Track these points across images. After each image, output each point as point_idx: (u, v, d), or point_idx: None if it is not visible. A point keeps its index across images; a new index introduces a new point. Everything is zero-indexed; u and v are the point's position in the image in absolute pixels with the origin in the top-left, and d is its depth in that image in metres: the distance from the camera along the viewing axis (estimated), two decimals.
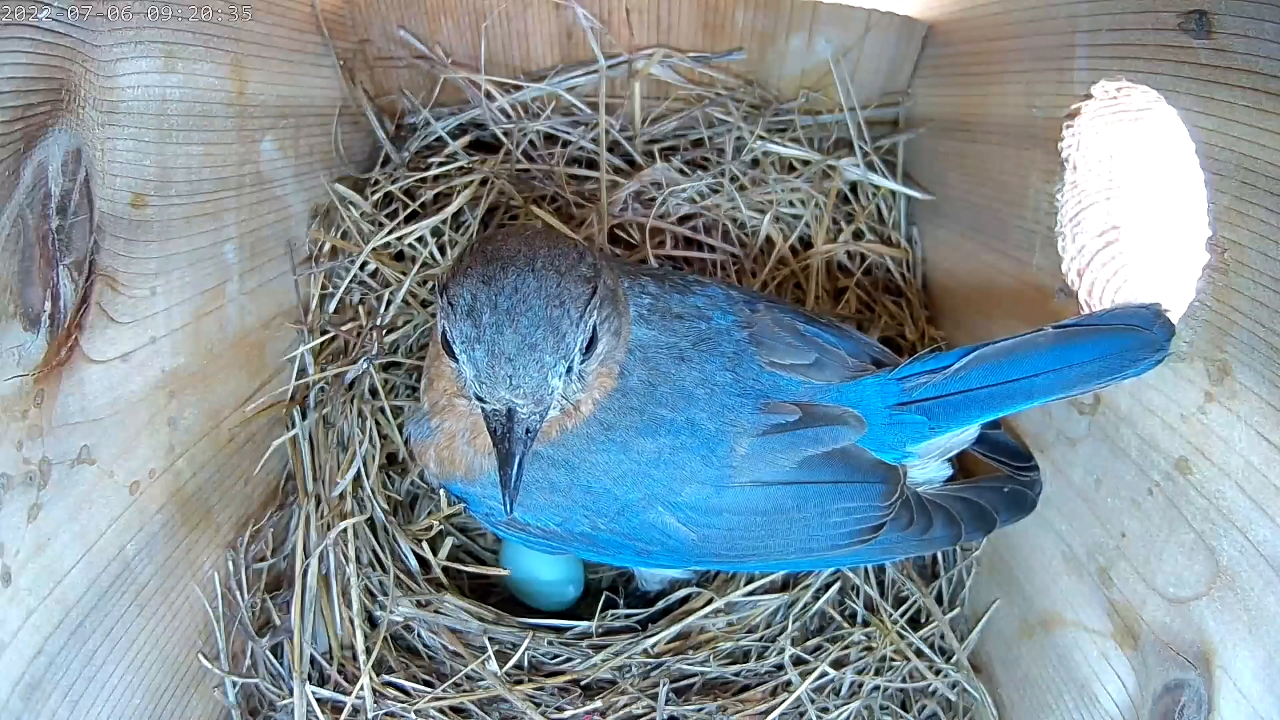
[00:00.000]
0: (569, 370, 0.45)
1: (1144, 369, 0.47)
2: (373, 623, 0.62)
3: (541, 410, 0.44)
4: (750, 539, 0.52)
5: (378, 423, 0.67)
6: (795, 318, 0.56)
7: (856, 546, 0.52)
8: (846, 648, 0.63)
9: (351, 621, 0.60)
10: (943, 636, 0.65)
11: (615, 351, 0.49)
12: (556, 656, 0.63)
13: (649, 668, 0.62)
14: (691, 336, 0.52)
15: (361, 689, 0.58)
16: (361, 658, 0.59)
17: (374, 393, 0.69)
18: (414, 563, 0.64)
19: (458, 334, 0.44)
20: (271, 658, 0.60)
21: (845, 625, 0.65)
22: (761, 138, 0.77)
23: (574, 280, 0.44)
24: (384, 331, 0.68)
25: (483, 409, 0.45)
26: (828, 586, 0.66)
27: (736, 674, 0.63)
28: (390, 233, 0.71)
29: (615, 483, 0.50)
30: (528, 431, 0.44)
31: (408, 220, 0.73)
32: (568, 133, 0.77)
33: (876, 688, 0.62)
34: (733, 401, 0.51)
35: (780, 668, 0.62)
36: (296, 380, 0.67)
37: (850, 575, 0.66)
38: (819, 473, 0.51)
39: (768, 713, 0.60)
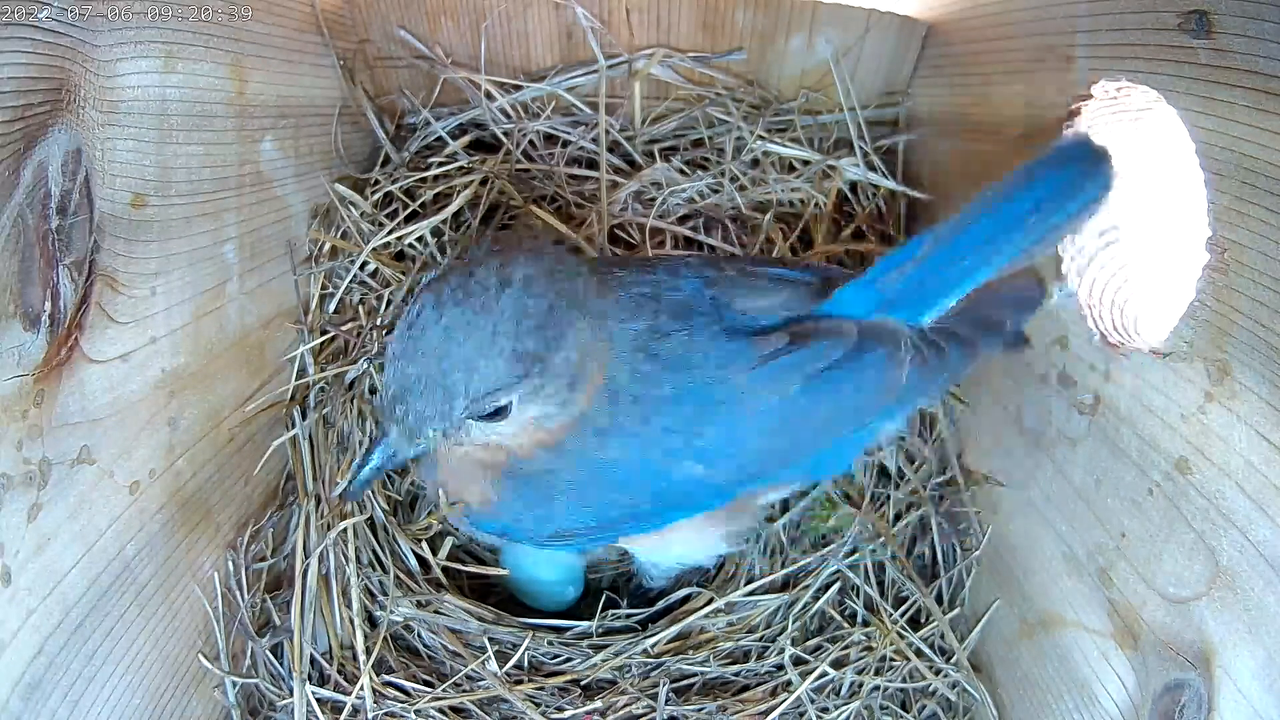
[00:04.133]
0: (449, 429, 0.47)
1: (1092, 196, 0.47)
2: (373, 623, 0.62)
3: (413, 448, 0.48)
4: (781, 452, 0.53)
5: (377, 423, 0.67)
6: (755, 265, 0.57)
7: (884, 410, 0.54)
8: (846, 648, 0.63)
9: (351, 621, 0.60)
10: (943, 636, 0.65)
11: (568, 405, 0.49)
12: (556, 656, 0.63)
13: (649, 668, 0.62)
14: (667, 310, 0.52)
15: (361, 689, 0.58)
16: (361, 658, 0.59)
17: (374, 392, 0.69)
18: (414, 563, 0.64)
19: (389, 346, 0.47)
20: (271, 658, 0.60)
21: (845, 625, 0.65)
22: (761, 138, 0.77)
23: (496, 356, 0.45)
24: (384, 331, 0.68)
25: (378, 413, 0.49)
26: (828, 586, 0.66)
27: (736, 674, 0.63)
28: (390, 233, 0.71)
29: (637, 466, 0.52)
30: (390, 455, 0.49)
31: (408, 220, 0.73)
32: (568, 133, 0.77)
33: (876, 688, 0.62)
34: (722, 346, 0.52)
35: (780, 668, 0.62)
36: (296, 380, 0.67)
37: (850, 575, 0.66)
38: (826, 380, 0.51)
39: (768, 713, 0.60)
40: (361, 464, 0.50)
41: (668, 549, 0.61)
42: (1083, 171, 0.48)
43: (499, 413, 0.47)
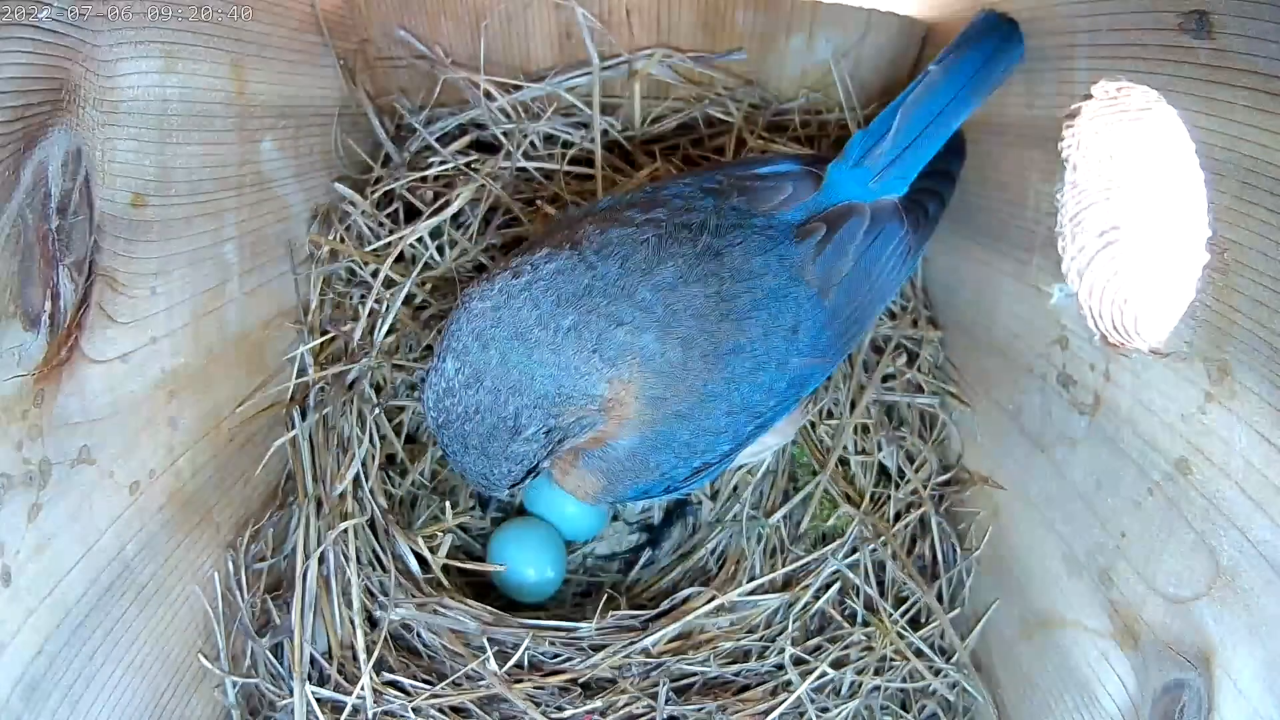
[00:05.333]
0: (526, 472, 0.50)
1: (1019, 54, 0.59)
2: (373, 623, 0.62)
3: (503, 486, 0.51)
4: (852, 322, 0.59)
5: (377, 423, 0.67)
6: (748, 168, 0.61)
7: (903, 277, 0.63)
8: (846, 648, 0.63)
9: (351, 621, 0.60)
10: (943, 636, 0.65)
11: (651, 361, 0.51)
12: (556, 656, 0.63)
13: (649, 667, 0.62)
14: (690, 240, 0.54)
15: (362, 689, 0.58)
16: (362, 658, 0.59)
17: (377, 390, 0.69)
18: (414, 563, 0.64)
19: (430, 420, 0.50)
20: (271, 658, 0.60)
21: (845, 625, 0.65)
22: (762, 138, 0.77)
23: (529, 410, 0.48)
24: (384, 333, 0.68)
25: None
26: (828, 586, 0.66)
27: (736, 674, 0.63)
28: (390, 234, 0.71)
29: (733, 405, 0.56)
30: (495, 497, 0.51)
31: (408, 220, 0.73)
32: (568, 133, 0.77)
33: (876, 688, 0.62)
34: (773, 247, 0.56)
35: (780, 667, 0.62)
36: (296, 380, 0.67)
37: (850, 575, 0.66)
38: (868, 258, 0.58)
39: (768, 713, 0.60)
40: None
41: (766, 439, 0.64)
42: (1004, 36, 0.59)
43: (560, 442, 0.51)
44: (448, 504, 0.68)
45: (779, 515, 0.69)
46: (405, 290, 0.69)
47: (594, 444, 0.53)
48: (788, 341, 0.56)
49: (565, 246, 0.51)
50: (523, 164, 0.74)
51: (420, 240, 0.72)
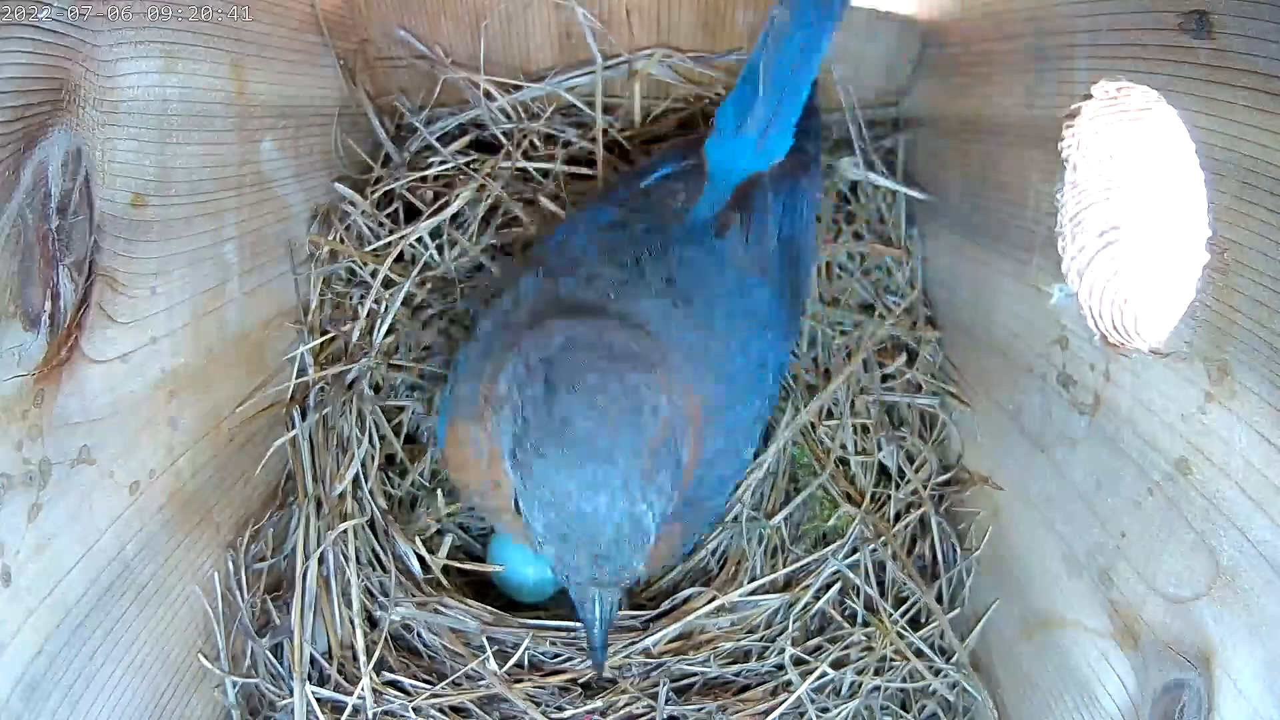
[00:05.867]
0: (646, 549, 0.44)
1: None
2: (373, 623, 0.62)
3: (626, 589, 0.46)
4: (797, 288, 0.61)
5: (377, 424, 0.67)
6: (631, 186, 0.61)
7: (813, 214, 0.64)
8: (846, 648, 0.63)
9: (351, 621, 0.60)
10: (943, 636, 0.65)
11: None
12: (557, 656, 0.63)
13: (649, 667, 0.62)
14: (638, 272, 0.53)
15: (362, 689, 0.58)
16: (362, 658, 0.59)
17: (377, 390, 0.69)
18: (414, 563, 0.64)
19: (539, 521, 0.44)
20: (271, 658, 0.60)
21: (845, 625, 0.65)
22: None
23: (653, 459, 0.43)
24: (384, 333, 0.68)
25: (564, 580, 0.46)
26: (828, 586, 0.66)
27: (736, 674, 0.63)
28: (390, 234, 0.71)
29: (743, 413, 0.56)
30: (613, 606, 0.46)
31: (408, 220, 0.73)
32: (568, 133, 0.77)
33: (876, 688, 0.62)
34: (705, 252, 0.56)
35: (780, 668, 0.62)
36: (296, 380, 0.67)
37: (850, 575, 0.66)
38: (788, 221, 0.59)
39: (768, 713, 0.60)
40: (595, 643, 0.48)
41: None
42: None
43: (668, 509, 0.45)
44: (439, 492, 0.68)
45: (779, 517, 0.69)
46: (404, 290, 0.69)
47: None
48: (760, 332, 0.56)
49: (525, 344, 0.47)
50: (522, 164, 0.74)
51: (420, 240, 0.72)
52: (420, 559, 0.64)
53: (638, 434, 0.44)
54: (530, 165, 0.75)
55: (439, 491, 0.68)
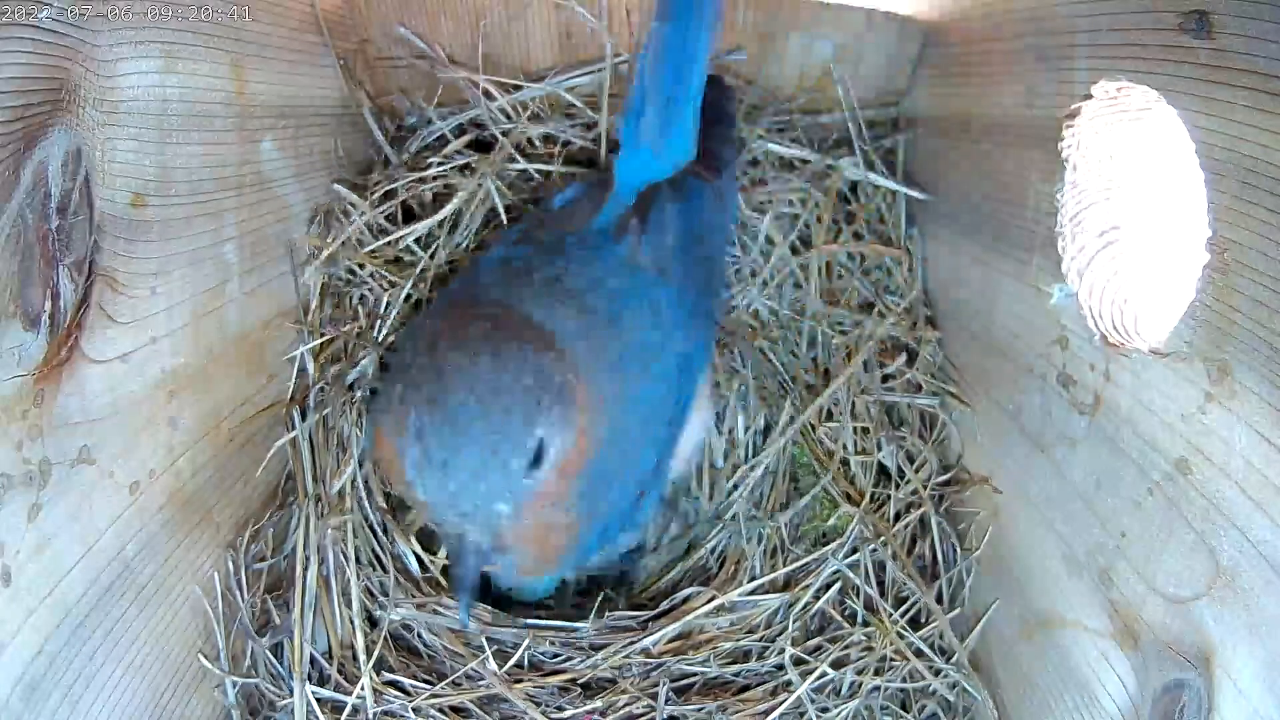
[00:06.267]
0: (513, 493, 0.46)
1: None
2: (373, 622, 0.62)
3: (492, 532, 0.46)
4: (705, 286, 0.62)
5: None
6: (542, 209, 0.64)
7: (726, 217, 0.67)
8: (846, 648, 0.63)
9: (351, 621, 0.60)
10: (942, 636, 0.65)
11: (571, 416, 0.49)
12: (556, 656, 0.63)
13: (649, 667, 0.62)
14: (529, 277, 0.55)
15: (362, 689, 0.58)
16: (362, 658, 0.59)
17: (374, 393, 0.69)
18: (413, 563, 0.64)
19: (407, 458, 0.45)
20: (272, 658, 0.60)
21: (845, 625, 0.65)
22: (761, 137, 0.77)
23: (514, 399, 0.45)
24: (384, 333, 0.68)
25: (437, 527, 0.48)
26: (828, 586, 0.66)
27: (736, 674, 0.63)
28: (390, 234, 0.71)
29: (644, 414, 0.57)
30: (478, 552, 0.47)
31: (407, 220, 0.73)
32: (568, 133, 0.77)
33: (876, 688, 0.62)
34: (600, 255, 0.57)
35: (780, 668, 0.62)
36: (296, 380, 0.67)
37: (850, 575, 0.66)
38: (686, 221, 0.60)
39: (768, 713, 0.60)
40: (462, 578, 0.48)
41: (691, 435, 0.64)
42: None
43: (539, 458, 0.46)
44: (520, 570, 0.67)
45: (784, 519, 0.69)
46: (404, 291, 0.69)
47: (565, 474, 0.50)
48: (658, 330, 0.57)
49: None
50: (523, 165, 0.74)
51: (419, 240, 0.72)
52: (419, 558, 0.64)
53: (508, 393, 0.45)
54: (530, 166, 0.75)
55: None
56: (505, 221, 0.72)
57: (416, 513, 0.60)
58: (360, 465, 0.65)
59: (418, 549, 0.64)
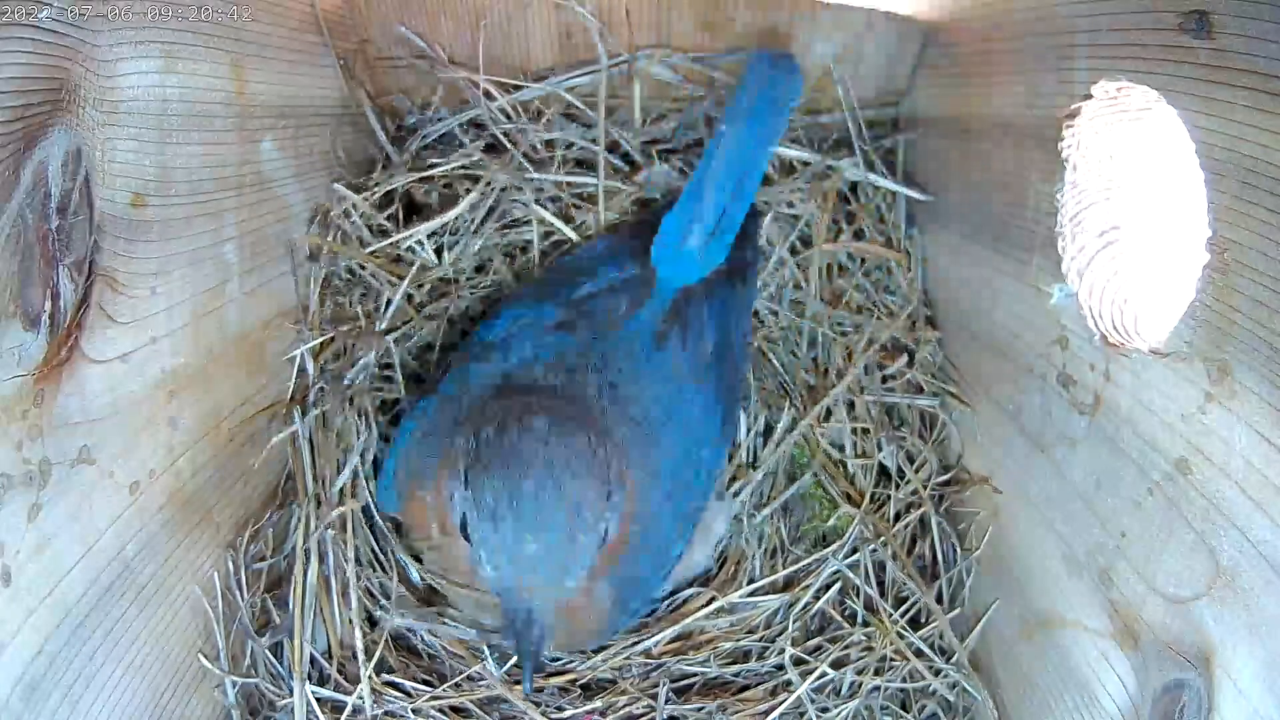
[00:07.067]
0: (582, 573, 0.48)
1: (796, 94, 0.67)
2: (373, 622, 0.62)
3: (555, 608, 0.48)
4: (732, 392, 0.64)
5: (377, 423, 0.67)
6: (575, 288, 0.63)
7: (747, 320, 0.69)
8: (846, 648, 0.63)
9: (351, 621, 0.60)
10: (942, 636, 0.65)
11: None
12: (556, 657, 0.63)
13: (649, 668, 0.62)
14: (581, 382, 0.56)
15: (362, 689, 0.58)
16: (361, 658, 0.59)
17: (376, 391, 0.69)
18: (414, 574, 0.64)
19: (478, 535, 0.47)
20: (271, 658, 0.60)
21: (845, 625, 0.65)
22: None
23: (590, 486, 0.48)
24: (382, 334, 0.68)
25: (499, 600, 0.48)
26: (828, 587, 0.66)
27: (736, 674, 0.63)
28: (390, 234, 0.71)
29: (677, 511, 0.59)
30: (543, 630, 0.48)
31: (408, 220, 0.73)
32: (568, 133, 0.77)
33: (876, 688, 0.62)
34: (646, 362, 0.59)
35: (780, 668, 0.62)
36: (296, 380, 0.67)
37: (850, 575, 0.66)
38: (719, 329, 0.62)
39: (768, 713, 0.60)
40: (526, 652, 0.49)
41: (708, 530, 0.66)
42: (782, 73, 0.65)
43: (604, 538, 0.49)
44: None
45: (775, 517, 0.69)
46: (404, 291, 0.69)
47: (609, 558, 0.52)
48: (694, 439, 0.59)
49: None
50: (523, 165, 0.74)
51: (419, 241, 0.72)
52: (418, 558, 0.64)
53: (584, 480, 0.48)
54: (530, 166, 0.74)
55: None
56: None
57: (445, 577, 0.61)
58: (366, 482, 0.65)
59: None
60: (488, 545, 0.47)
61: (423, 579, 0.64)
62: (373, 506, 0.64)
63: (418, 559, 0.64)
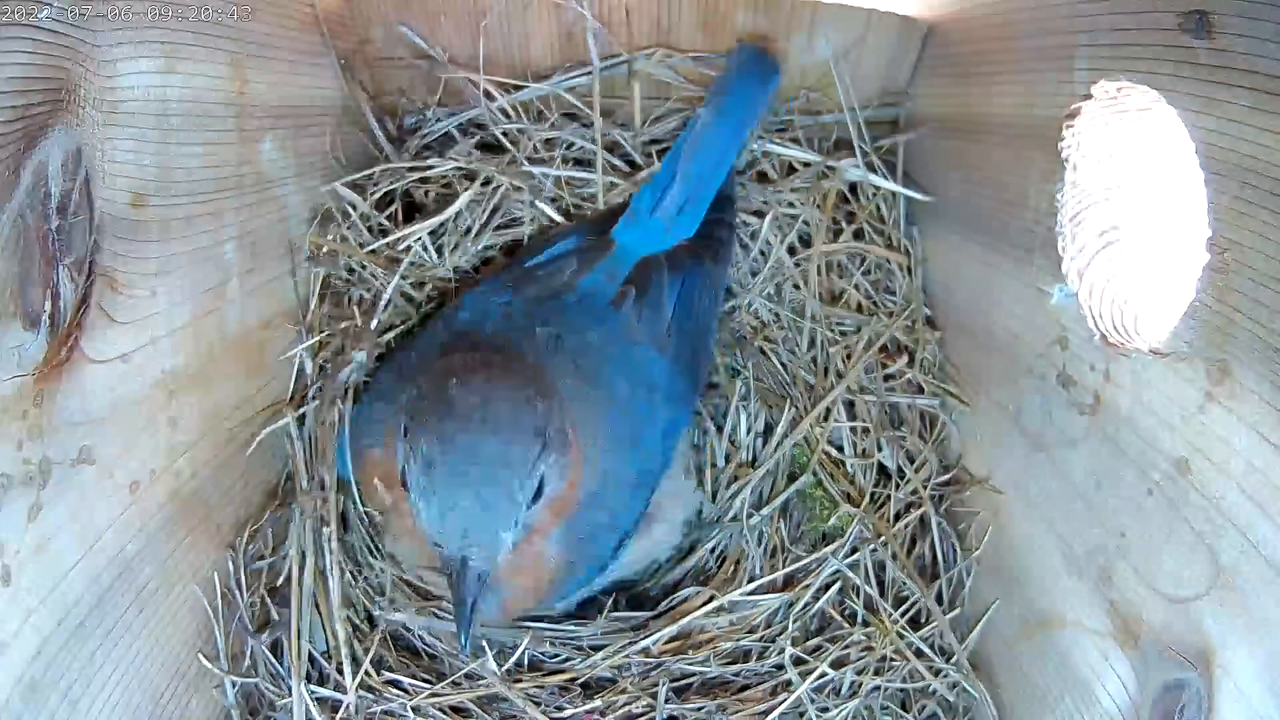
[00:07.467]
0: (517, 523, 0.49)
1: (775, 84, 0.69)
2: (371, 622, 0.62)
3: (493, 559, 0.49)
4: (693, 362, 0.64)
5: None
6: (524, 262, 0.64)
7: (717, 300, 0.69)
8: (846, 648, 0.63)
9: (350, 621, 0.60)
10: (942, 636, 0.65)
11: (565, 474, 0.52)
12: (556, 656, 0.63)
13: (649, 667, 0.62)
14: (530, 336, 0.57)
15: (361, 688, 0.57)
16: (361, 657, 0.59)
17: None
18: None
19: (414, 483, 0.49)
20: (271, 657, 0.60)
21: (845, 625, 0.65)
22: (761, 138, 0.77)
23: (522, 435, 0.49)
24: (379, 333, 0.68)
25: (437, 551, 0.49)
26: (828, 586, 0.66)
27: (736, 674, 0.63)
28: (390, 234, 0.71)
29: (639, 466, 0.60)
30: (479, 577, 0.49)
31: (407, 220, 0.73)
32: (568, 133, 0.77)
33: (876, 688, 0.62)
34: (598, 321, 0.60)
35: (780, 667, 0.62)
36: (296, 380, 0.67)
37: (851, 575, 0.66)
38: (681, 299, 0.63)
39: (768, 713, 0.60)
40: (461, 601, 0.49)
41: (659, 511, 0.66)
42: (763, 65, 0.68)
43: (539, 492, 0.50)
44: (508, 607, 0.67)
45: (775, 517, 0.69)
46: (396, 285, 0.69)
47: (556, 515, 0.54)
48: (648, 396, 0.60)
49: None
50: (525, 166, 0.74)
51: (419, 241, 0.72)
52: (376, 526, 0.64)
53: (516, 429, 0.49)
54: (531, 167, 0.74)
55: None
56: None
57: (395, 536, 0.62)
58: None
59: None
60: (423, 493, 0.48)
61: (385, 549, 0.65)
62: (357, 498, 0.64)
63: (376, 527, 0.65)
